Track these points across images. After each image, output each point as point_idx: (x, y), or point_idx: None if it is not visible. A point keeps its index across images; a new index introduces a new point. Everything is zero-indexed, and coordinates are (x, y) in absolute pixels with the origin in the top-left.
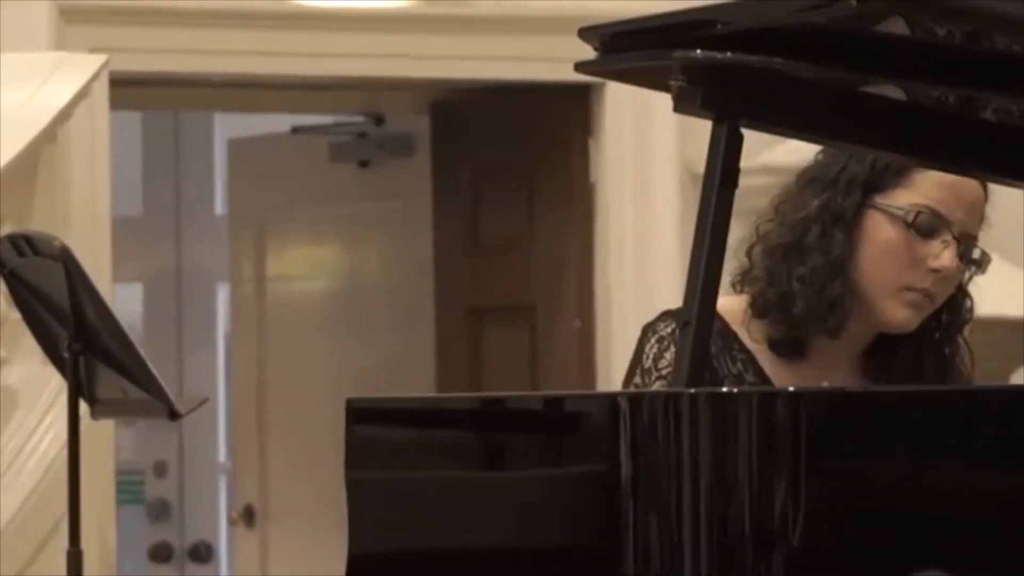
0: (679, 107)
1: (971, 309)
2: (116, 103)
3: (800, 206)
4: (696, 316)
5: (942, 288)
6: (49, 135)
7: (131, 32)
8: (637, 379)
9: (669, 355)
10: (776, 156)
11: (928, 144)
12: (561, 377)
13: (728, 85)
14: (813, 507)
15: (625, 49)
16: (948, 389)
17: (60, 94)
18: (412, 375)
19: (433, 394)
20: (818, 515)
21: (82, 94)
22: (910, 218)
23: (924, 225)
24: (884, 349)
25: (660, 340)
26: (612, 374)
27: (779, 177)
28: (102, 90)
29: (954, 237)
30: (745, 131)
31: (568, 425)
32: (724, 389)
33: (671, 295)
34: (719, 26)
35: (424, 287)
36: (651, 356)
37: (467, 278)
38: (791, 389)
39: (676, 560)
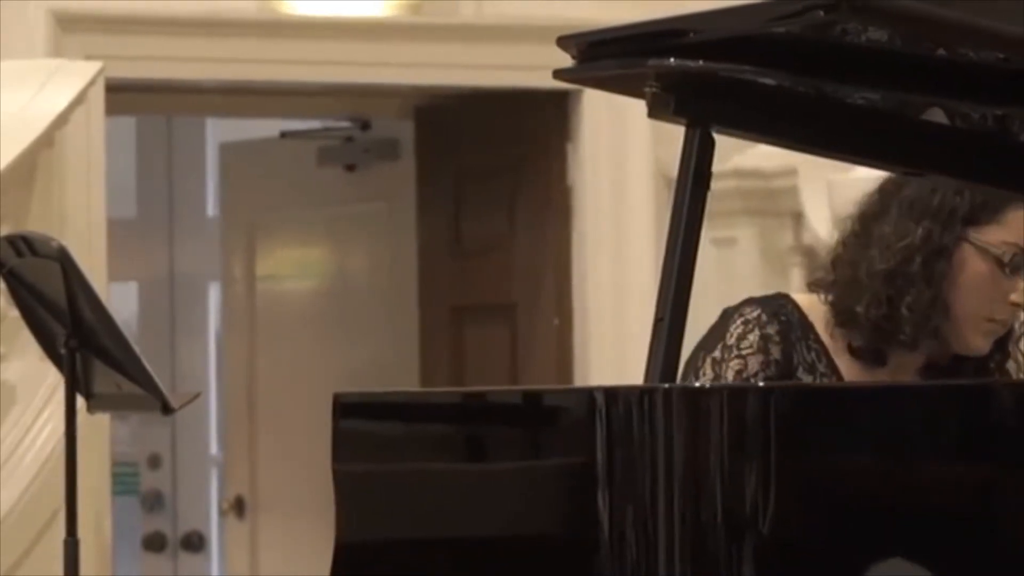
0: (653, 113)
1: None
2: (111, 108)
3: (903, 233)
4: (669, 313)
5: (1015, 316)
6: (46, 139)
7: (126, 40)
8: (717, 353)
9: (752, 337)
10: (746, 160)
11: (890, 149)
12: (540, 373)
13: (700, 92)
14: (783, 498)
15: (602, 57)
16: (913, 385)
17: (57, 100)
18: (397, 371)
19: (417, 389)
20: (787, 506)
21: (78, 100)
22: (1006, 258)
23: (1015, 264)
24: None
25: (746, 322)
26: (589, 370)
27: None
28: (98, 96)
29: None
30: (716, 136)
31: (547, 419)
32: (696, 384)
33: (646, 294)
34: (691, 35)
35: (408, 286)
36: (735, 335)
37: (450, 278)
38: (761, 384)
39: (650, 549)
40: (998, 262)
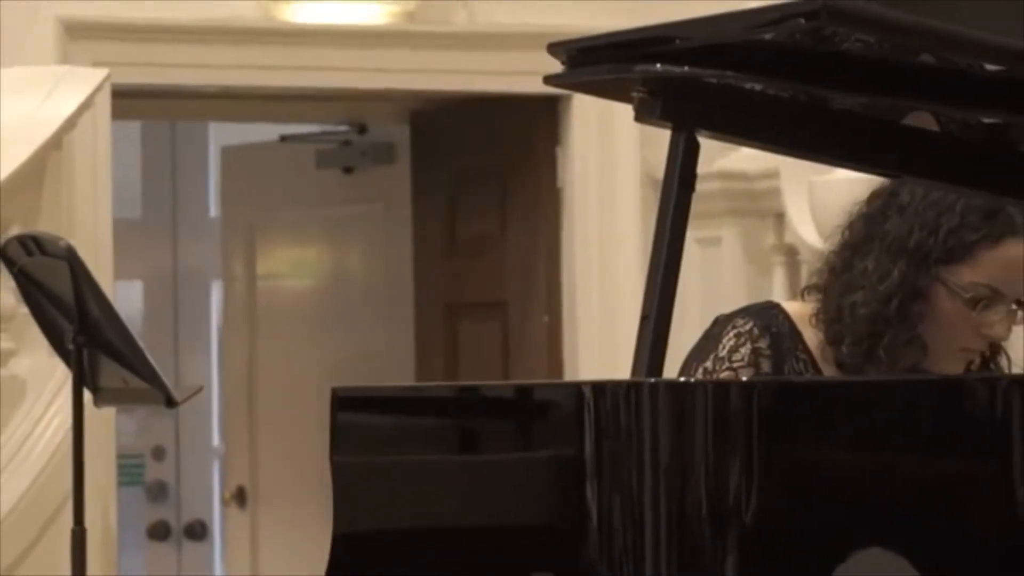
0: (640, 117)
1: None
2: (117, 113)
3: (883, 274)
4: (655, 311)
5: (998, 342)
6: (55, 143)
7: (131, 47)
8: (708, 363)
9: (744, 350)
10: (730, 162)
11: (870, 152)
12: (531, 368)
13: (685, 97)
14: (765, 489)
15: (590, 63)
16: (890, 379)
17: (65, 105)
18: (393, 366)
19: (412, 383)
20: (770, 496)
21: (85, 105)
22: (969, 299)
23: (983, 303)
24: None
25: (738, 335)
26: (578, 365)
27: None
28: (104, 101)
29: (1014, 307)
30: (701, 139)
31: (537, 412)
32: (682, 379)
33: (633, 292)
34: (677, 42)
35: (404, 285)
36: (727, 347)
37: (444, 276)
38: (743, 379)
39: (637, 538)
40: (966, 303)
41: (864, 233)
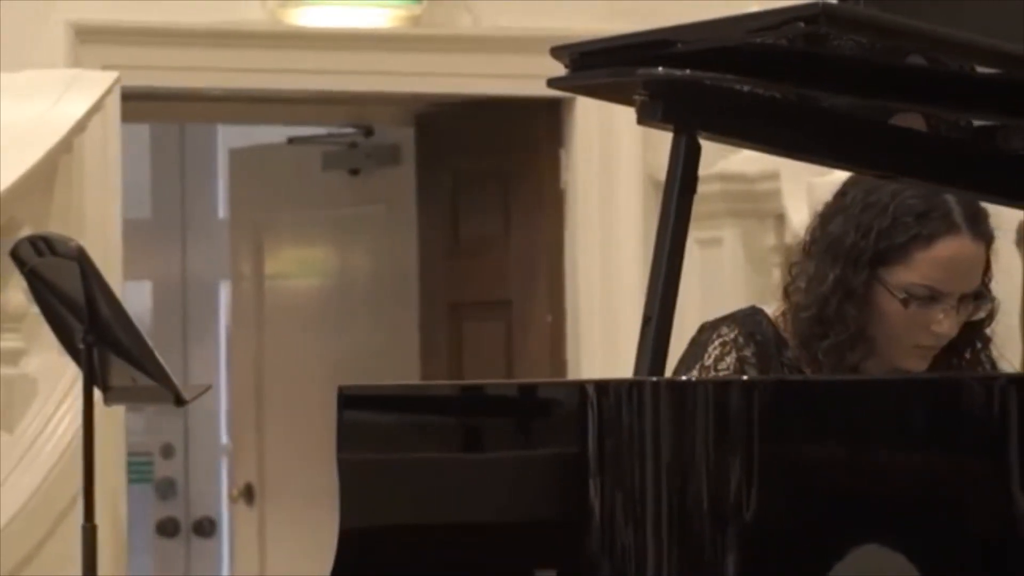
0: (642, 119)
1: (992, 311)
2: (127, 116)
3: (822, 276)
4: (657, 311)
5: (947, 338)
6: (65, 145)
7: (141, 51)
8: (695, 373)
9: (729, 359)
10: (730, 164)
11: (868, 153)
12: (534, 366)
13: (687, 99)
14: (765, 486)
15: (593, 66)
16: (888, 378)
17: (75, 108)
18: (398, 365)
19: (417, 382)
20: (770, 494)
21: (96, 108)
22: (903, 300)
23: (921, 302)
24: None
25: (723, 344)
26: (581, 364)
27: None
28: (114, 104)
29: (954, 304)
30: (702, 141)
31: (540, 410)
32: (683, 378)
33: (635, 292)
34: (678, 46)
35: (409, 284)
36: (713, 356)
37: (448, 276)
38: (744, 378)
39: (639, 534)
40: (901, 303)
41: (815, 235)
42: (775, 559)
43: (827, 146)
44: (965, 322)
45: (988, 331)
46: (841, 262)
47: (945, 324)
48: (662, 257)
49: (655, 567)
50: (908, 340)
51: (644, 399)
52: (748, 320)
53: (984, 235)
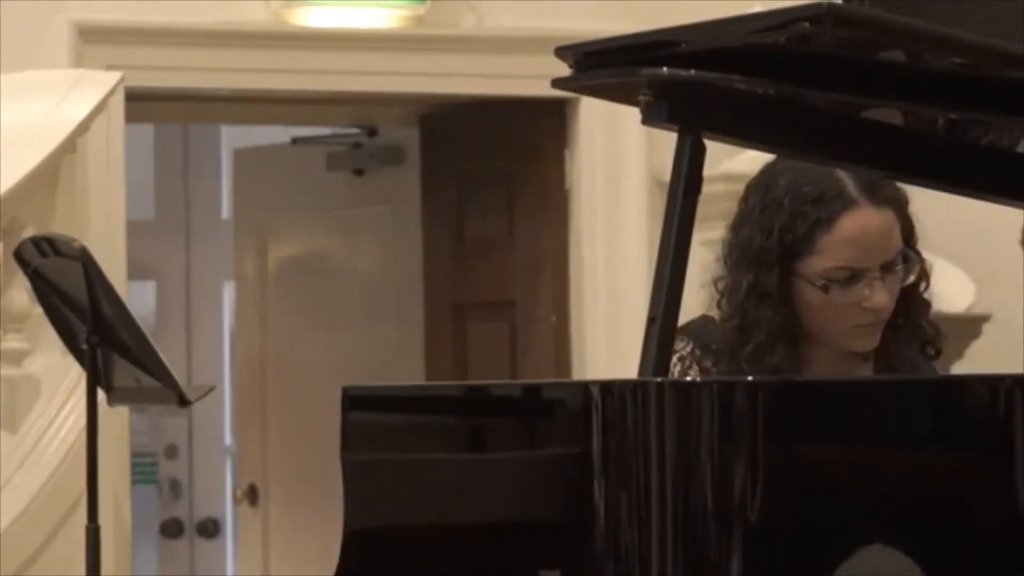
0: (647, 120)
1: (924, 271)
2: (131, 116)
3: (736, 288)
4: (662, 312)
5: (885, 310)
6: (69, 145)
7: (144, 51)
8: None
9: (692, 374)
10: (735, 165)
11: (873, 154)
12: (538, 367)
13: (691, 100)
14: (769, 486)
15: (597, 67)
16: (894, 379)
17: (79, 108)
18: (402, 365)
19: (421, 382)
20: (773, 493)
21: (99, 108)
22: (822, 287)
23: (840, 284)
24: None
25: (681, 359)
26: (585, 364)
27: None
28: (118, 104)
29: (877, 275)
30: (707, 142)
31: (545, 411)
32: (687, 379)
33: (639, 293)
34: (683, 46)
35: (413, 285)
36: (675, 373)
37: (453, 276)
38: (749, 379)
39: (643, 534)
40: (824, 289)
41: (728, 246)
42: (780, 559)
43: (831, 146)
44: (903, 289)
45: (926, 295)
46: (752, 267)
47: (875, 298)
48: (666, 258)
49: (659, 567)
50: (846, 323)
51: (648, 400)
52: (700, 332)
53: (887, 200)
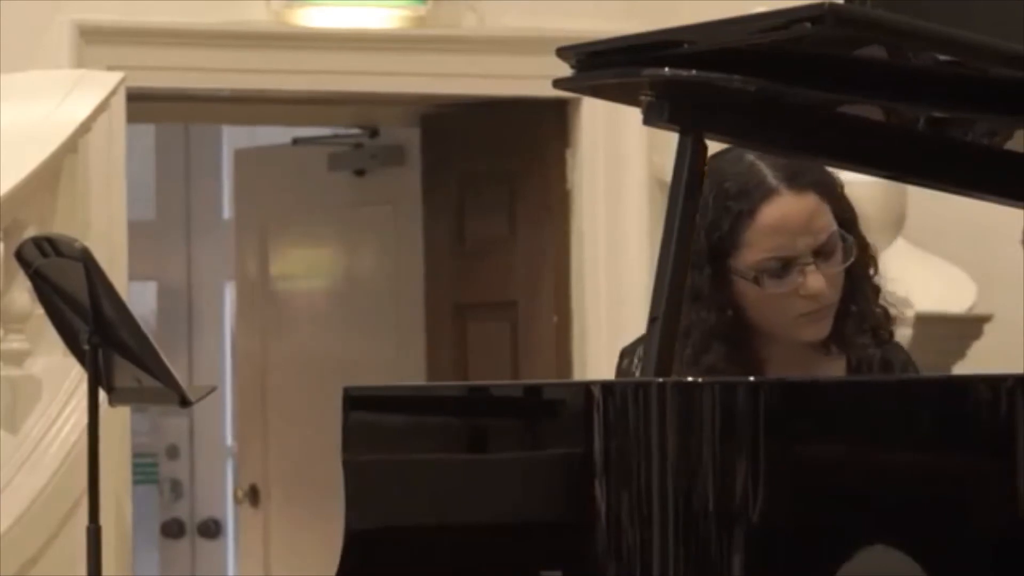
0: (648, 120)
1: (869, 256)
2: (132, 116)
3: None
4: (663, 312)
5: (829, 294)
6: (70, 146)
7: (146, 51)
8: None
9: None
10: None
11: (875, 154)
12: (540, 367)
13: (693, 100)
14: (771, 487)
15: (599, 67)
16: (896, 379)
17: (80, 108)
18: (403, 365)
19: (422, 383)
20: (776, 494)
21: (101, 108)
22: (754, 278)
23: (773, 274)
24: None
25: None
26: (587, 364)
27: None
28: (119, 104)
29: (809, 261)
30: (708, 142)
31: (546, 411)
32: (689, 378)
33: (640, 293)
34: (685, 46)
35: (414, 285)
36: None
37: (454, 277)
38: (751, 379)
39: (645, 534)
40: (756, 281)
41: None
42: (782, 560)
43: (834, 147)
44: (848, 274)
45: (876, 280)
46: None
47: (809, 284)
48: (668, 258)
49: (661, 568)
50: (789, 314)
51: (650, 400)
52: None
53: (809, 185)
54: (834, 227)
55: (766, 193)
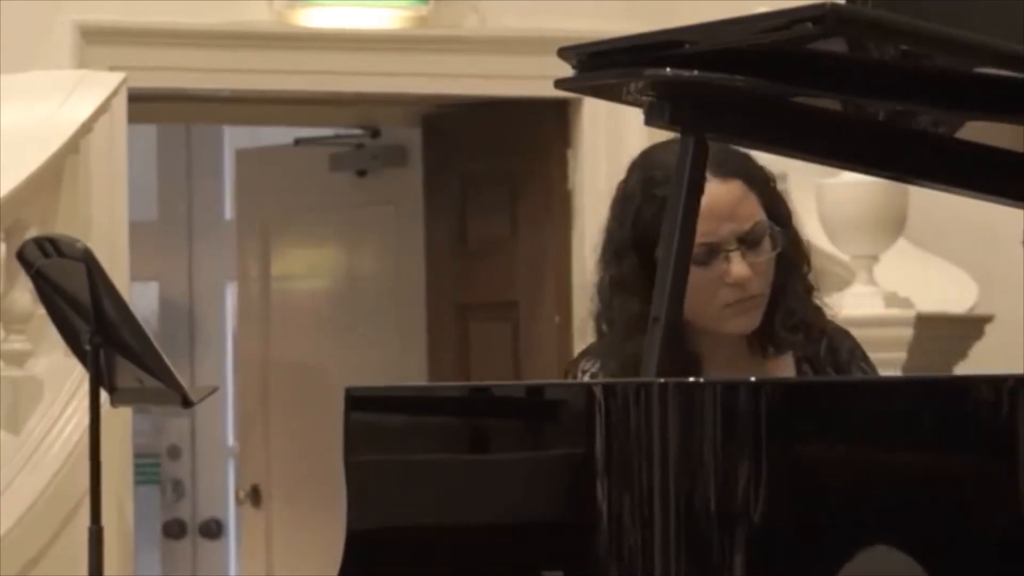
0: (650, 121)
1: (802, 252)
2: (133, 117)
3: (600, 284)
4: (665, 312)
5: (756, 284)
6: (72, 146)
7: (147, 52)
8: None
9: None
10: None
11: (876, 155)
12: (541, 367)
13: (694, 101)
14: (773, 487)
15: (600, 67)
16: (898, 379)
17: (82, 109)
18: (405, 366)
19: (424, 383)
20: (778, 495)
21: (102, 109)
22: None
23: (698, 261)
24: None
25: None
26: None
27: None
28: (120, 105)
29: (734, 247)
30: (710, 142)
31: (548, 411)
32: (691, 379)
33: None
34: (686, 46)
35: (416, 285)
36: None
37: (455, 277)
38: (752, 379)
39: (647, 535)
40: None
41: (597, 255)
42: (783, 560)
43: (836, 148)
44: (779, 269)
45: (809, 277)
46: (612, 260)
47: (734, 270)
48: (669, 258)
49: (663, 568)
50: (716, 303)
51: (652, 400)
52: (603, 352)
53: (735, 172)
54: (761, 216)
55: None
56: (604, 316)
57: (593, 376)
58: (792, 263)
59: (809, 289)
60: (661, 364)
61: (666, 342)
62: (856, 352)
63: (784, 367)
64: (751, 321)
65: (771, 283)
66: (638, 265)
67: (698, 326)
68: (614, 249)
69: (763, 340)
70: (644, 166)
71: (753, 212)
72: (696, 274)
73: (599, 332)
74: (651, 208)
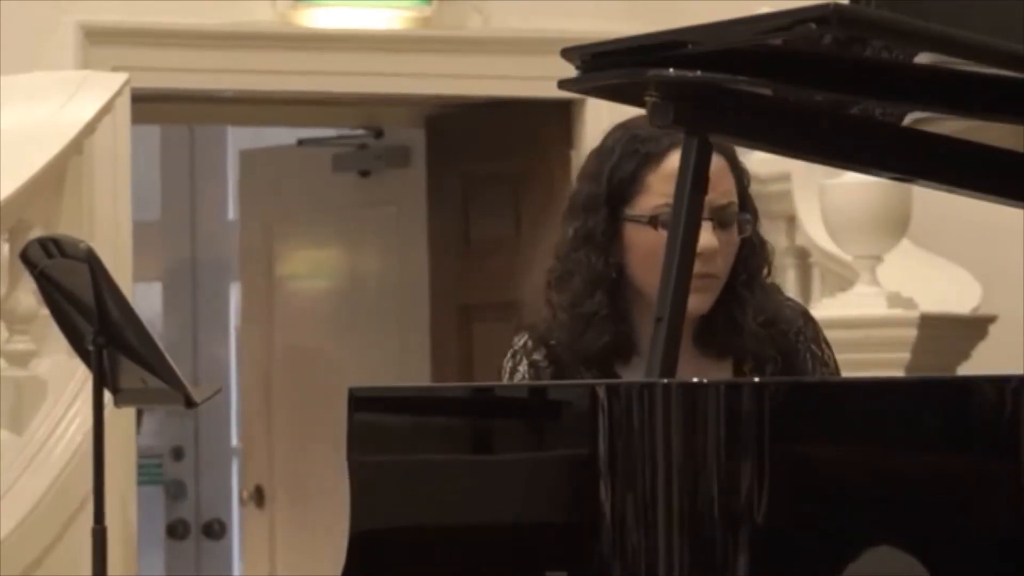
0: (653, 121)
1: (766, 253)
2: (137, 117)
3: (563, 239)
4: (668, 311)
5: (718, 264)
6: (75, 147)
7: (151, 52)
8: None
9: (522, 368)
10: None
11: (879, 155)
12: None
13: (698, 101)
14: (776, 488)
15: (604, 68)
16: (901, 379)
17: (85, 109)
18: (408, 366)
19: (427, 383)
20: (781, 495)
21: (106, 109)
22: (651, 221)
23: (668, 223)
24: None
25: (514, 354)
26: None
27: None
28: (124, 105)
29: (707, 216)
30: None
31: (551, 412)
32: (694, 379)
33: None
34: (689, 47)
35: (419, 285)
36: (508, 368)
37: (458, 277)
38: (755, 380)
39: (650, 535)
40: (650, 223)
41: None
42: (786, 560)
43: (838, 148)
44: (742, 262)
45: (768, 281)
46: (580, 214)
47: (705, 238)
48: (673, 258)
49: (666, 569)
50: None
51: (655, 401)
52: (540, 326)
53: (723, 151)
54: (735, 199)
55: (676, 140)
56: (558, 270)
57: (515, 352)
58: (759, 263)
59: (765, 290)
60: (664, 364)
61: (669, 342)
62: (805, 332)
63: (722, 371)
64: (704, 302)
65: (729, 269)
66: (607, 219)
67: (647, 299)
68: (583, 203)
69: (724, 338)
70: (627, 126)
71: (730, 190)
72: (662, 238)
73: (549, 291)
74: (630, 163)
